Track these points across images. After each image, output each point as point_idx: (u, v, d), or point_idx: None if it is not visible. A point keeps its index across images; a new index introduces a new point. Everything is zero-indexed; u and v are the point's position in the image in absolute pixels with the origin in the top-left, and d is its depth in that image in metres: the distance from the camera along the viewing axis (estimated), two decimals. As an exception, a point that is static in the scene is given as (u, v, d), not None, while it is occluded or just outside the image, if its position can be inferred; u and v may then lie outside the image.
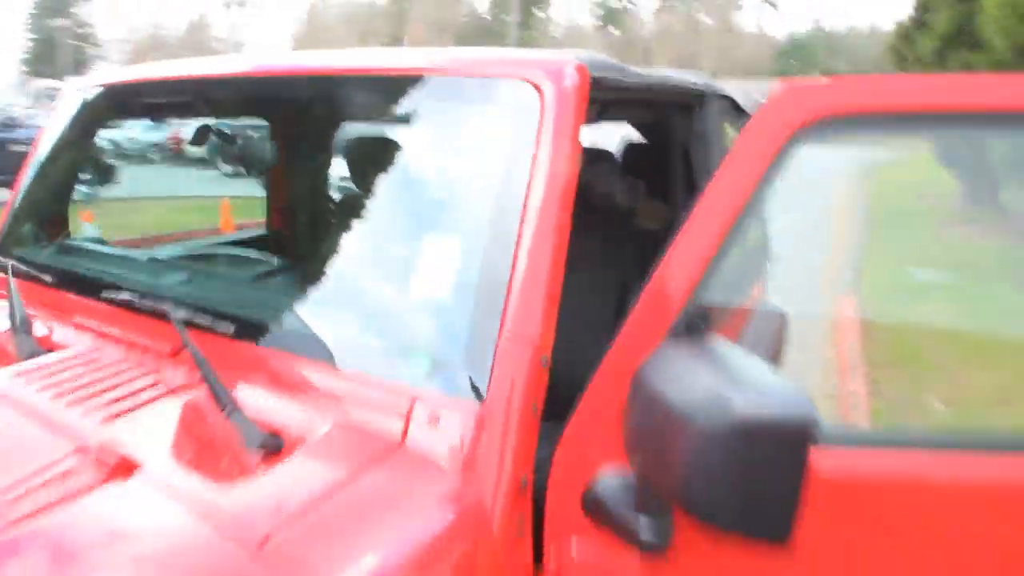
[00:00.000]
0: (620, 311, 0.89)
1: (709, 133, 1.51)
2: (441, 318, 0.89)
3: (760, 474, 0.61)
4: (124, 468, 0.75)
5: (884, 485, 0.76)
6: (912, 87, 0.84)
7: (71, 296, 1.19)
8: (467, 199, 0.94)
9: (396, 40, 38.78)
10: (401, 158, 1.06)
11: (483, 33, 43.05)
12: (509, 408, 0.79)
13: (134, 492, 0.73)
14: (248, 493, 0.72)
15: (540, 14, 45.10)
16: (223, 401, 0.81)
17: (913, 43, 11.54)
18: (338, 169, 1.48)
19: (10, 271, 1.21)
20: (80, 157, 1.58)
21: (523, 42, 34.14)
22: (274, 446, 0.79)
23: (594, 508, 0.80)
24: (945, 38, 8.11)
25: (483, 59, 1.01)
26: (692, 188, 1.47)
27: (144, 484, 0.74)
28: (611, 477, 0.79)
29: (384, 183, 1.08)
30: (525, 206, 0.84)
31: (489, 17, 45.60)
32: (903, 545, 0.77)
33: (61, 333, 1.12)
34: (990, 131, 1.00)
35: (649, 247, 0.99)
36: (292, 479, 0.75)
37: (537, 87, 0.89)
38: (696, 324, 0.77)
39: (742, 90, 1.92)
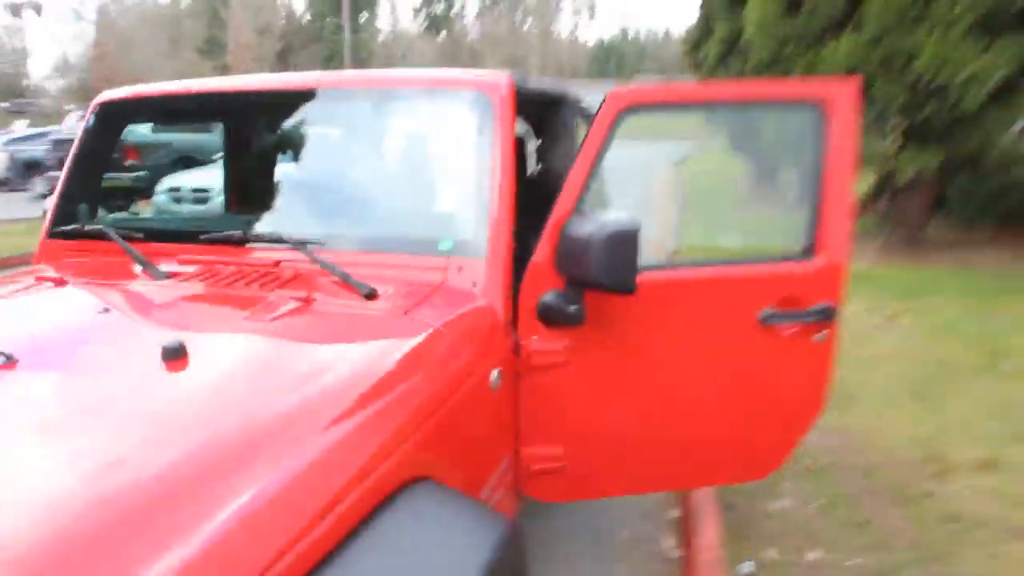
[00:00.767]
0: (544, 213, 1.65)
1: (569, 122, 2.34)
2: (456, 222, 1.61)
3: (620, 257, 1.40)
4: (306, 301, 1.38)
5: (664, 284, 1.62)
6: (671, 89, 1.70)
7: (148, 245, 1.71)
8: (459, 159, 1.66)
9: (215, 44, 36.57)
10: (414, 136, 1.76)
11: (304, 36, 42.12)
12: (498, 260, 1.53)
13: (317, 312, 1.37)
14: (382, 305, 1.40)
15: (364, 18, 45.04)
16: (330, 269, 1.47)
17: (699, 49, 13.70)
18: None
19: (112, 232, 1.70)
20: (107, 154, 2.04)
21: (354, 47, 33.98)
22: (373, 293, 1.45)
23: (544, 313, 1.56)
24: (726, 43, 9.97)
25: (451, 76, 1.74)
26: (563, 155, 2.29)
27: (319, 307, 1.38)
28: (551, 293, 1.56)
29: (409, 152, 1.78)
30: (493, 161, 1.58)
31: (310, 17, 44.65)
32: (664, 312, 1.63)
33: (169, 266, 1.65)
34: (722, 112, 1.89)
35: (550, 186, 1.77)
36: (400, 298, 1.43)
37: (490, 92, 1.64)
38: (581, 208, 1.56)
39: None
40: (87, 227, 1.78)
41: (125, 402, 1.04)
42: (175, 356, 1.09)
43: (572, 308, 1.52)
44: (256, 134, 2.20)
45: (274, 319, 1.28)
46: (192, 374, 1.10)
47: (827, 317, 1.70)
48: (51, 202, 1.92)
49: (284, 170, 1.99)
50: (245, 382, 1.11)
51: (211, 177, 4.37)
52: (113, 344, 1.25)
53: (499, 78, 1.68)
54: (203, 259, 1.66)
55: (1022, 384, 3.49)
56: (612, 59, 70.00)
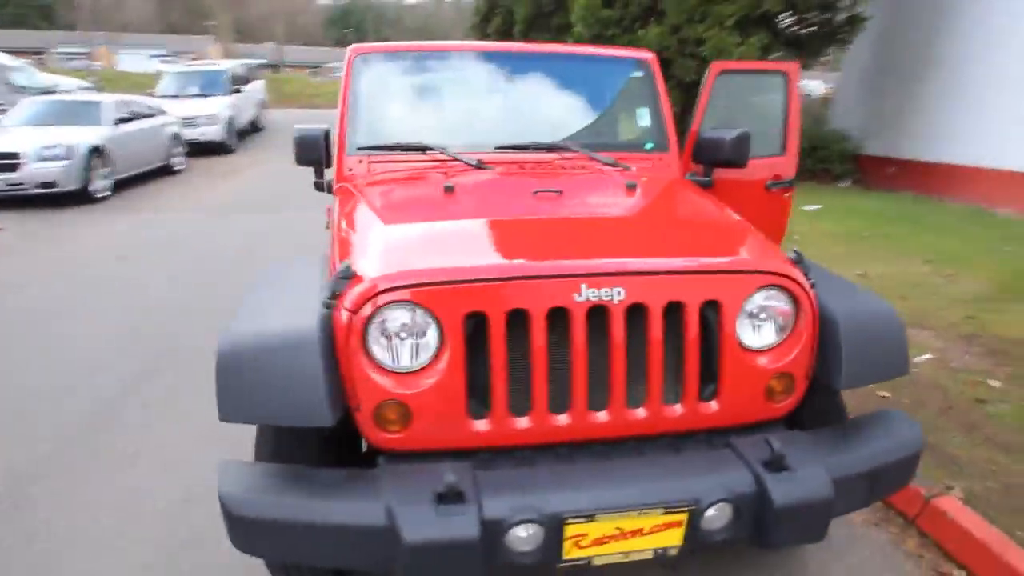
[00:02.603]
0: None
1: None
2: (652, 134, 2.87)
3: (742, 148, 2.84)
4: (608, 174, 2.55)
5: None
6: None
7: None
8: (642, 98, 2.91)
9: None
10: (610, 85, 2.94)
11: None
12: (675, 155, 2.86)
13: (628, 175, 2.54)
14: (636, 173, 2.63)
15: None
16: (598, 159, 2.66)
17: (489, 22, 15.39)
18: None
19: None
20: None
21: None
22: (629, 169, 2.66)
23: (693, 182, 2.94)
24: (527, 22, 11.73)
25: (632, 52, 2.95)
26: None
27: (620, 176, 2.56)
28: (692, 172, 2.93)
29: (611, 93, 2.95)
30: (663, 98, 2.87)
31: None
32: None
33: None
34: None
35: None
36: (642, 171, 2.69)
37: (651, 62, 2.91)
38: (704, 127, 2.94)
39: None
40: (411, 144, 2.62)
41: (619, 202, 2.16)
42: (632, 188, 2.23)
43: (707, 179, 2.90)
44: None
45: (612, 178, 2.45)
46: (638, 196, 2.24)
47: (790, 184, 3.36)
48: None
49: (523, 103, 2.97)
50: (652, 195, 2.30)
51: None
52: (586, 185, 2.30)
53: (650, 53, 2.96)
54: (504, 161, 2.65)
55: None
56: (348, 24, 68.81)
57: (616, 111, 2.96)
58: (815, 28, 8.26)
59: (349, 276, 1.57)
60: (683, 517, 1.46)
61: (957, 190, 7.74)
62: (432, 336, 1.52)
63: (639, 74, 2.92)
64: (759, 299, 1.65)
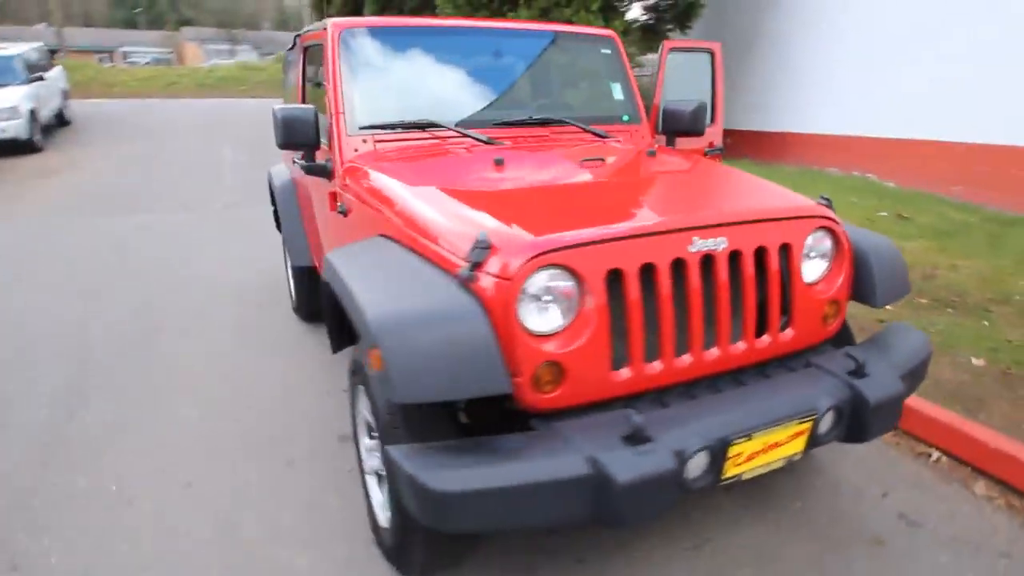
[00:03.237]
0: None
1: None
2: (627, 107, 3.08)
3: (700, 117, 3.16)
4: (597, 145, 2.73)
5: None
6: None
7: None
8: (614, 73, 3.09)
9: None
10: (590, 61, 3.07)
11: None
12: (646, 126, 3.10)
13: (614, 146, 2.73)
14: (618, 143, 2.84)
15: None
16: (593, 132, 2.83)
17: (330, 3, 14.78)
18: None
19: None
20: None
21: None
22: (613, 137, 2.85)
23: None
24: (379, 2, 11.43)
25: (603, 31, 3.11)
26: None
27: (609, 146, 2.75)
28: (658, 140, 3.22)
29: (593, 68, 3.07)
30: (630, 74, 3.09)
31: None
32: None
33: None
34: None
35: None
36: (624, 140, 2.90)
37: (616, 40, 3.11)
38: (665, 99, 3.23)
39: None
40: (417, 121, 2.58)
41: (659, 168, 2.34)
42: (651, 154, 2.42)
43: (674, 144, 3.19)
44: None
45: (606, 149, 2.64)
46: (670, 162, 2.43)
47: (721, 151, 3.79)
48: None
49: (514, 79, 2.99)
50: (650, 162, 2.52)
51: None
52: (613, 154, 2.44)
53: (612, 32, 3.16)
54: (506, 136, 2.72)
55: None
56: (142, 3, 61.15)
57: (590, 86, 3.14)
58: (664, 13, 9.07)
59: (488, 246, 1.58)
60: (808, 426, 1.70)
61: (790, 155, 9.00)
62: (578, 296, 1.60)
63: (608, 51, 3.11)
64: (812, 239, 1.94)
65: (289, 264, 3.89)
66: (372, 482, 2.15)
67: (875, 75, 7.63)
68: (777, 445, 1.68)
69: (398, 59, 2.75)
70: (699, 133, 3.10)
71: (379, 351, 1.46)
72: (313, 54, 3.14)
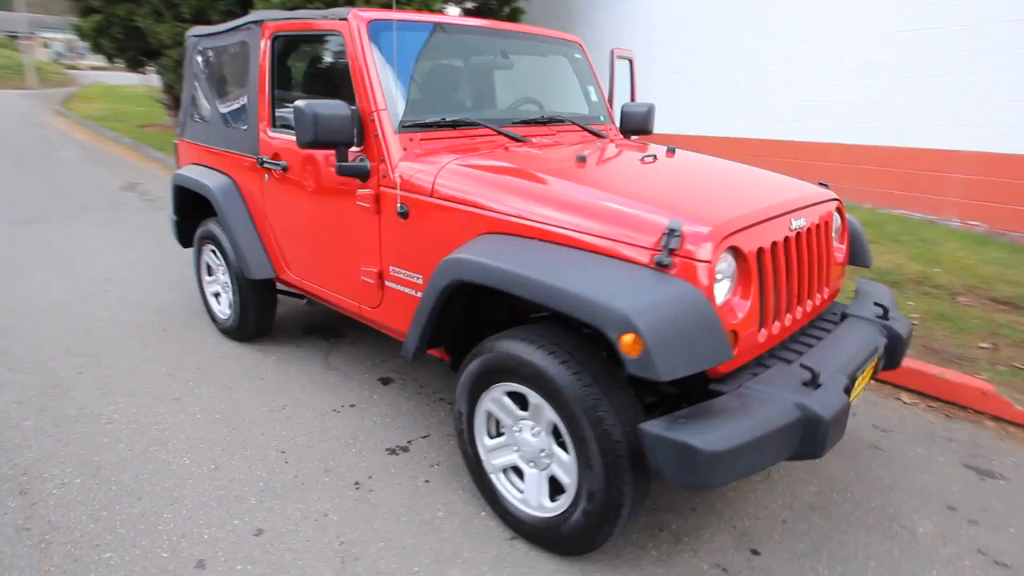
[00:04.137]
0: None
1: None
2: (603, 109, 3.36)
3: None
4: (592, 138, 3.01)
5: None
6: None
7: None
8: (585, 77, 3.35)
9: None
10: (563, 63, 3.26)
11: None
12: (615, 125, 3.43)
13: (610, 141, 3.02)
14: (608, 137, 3.16)
15: None
16: (593, 132, 3.10)
17: None
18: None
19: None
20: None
21: None
22: (605, 135, 3.15)
23: None
24: None
25: (570, 35, 3.32)
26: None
27: (601, 141, 3.04)
28: None
29: (565, 71, 3.25)
30: (594, 78, 3.38)
31: None
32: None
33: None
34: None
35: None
36: (610, 135, 3.21)
37: (581, 45, 3.37)
38: None
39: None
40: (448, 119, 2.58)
41: (696, 162, 2.67)
42: (672, 150, 2.76)
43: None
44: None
45: (605, 144, 2.94)
46: (696, 157, 2.75)
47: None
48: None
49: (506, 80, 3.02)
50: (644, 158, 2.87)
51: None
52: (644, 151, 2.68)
53: (579, 40, 3.42)
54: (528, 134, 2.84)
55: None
56: None
57: (571, 88, 3.36)
58: (487, 17, 9.50)
59: (680, 233, 1.77)
60: (876, 360, 2.19)
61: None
62: (738, 272, 1.87)
63: (579, 56, 3.38)
64: (834, 216, 2.46)
65: (231, 280, 3.47)
66: (502, 479, 2.18)
67: (748, 93, 8.05)
68: (864, 377, 2.14)
69: (419, 55, 2.70)
70: (649, 132, 3.53)
71: (637, 336, 1.58)
72: (301, 45, 2.89)
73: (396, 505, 2.31)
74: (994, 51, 5.19)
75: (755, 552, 2.11)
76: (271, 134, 3.01)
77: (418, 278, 2.43)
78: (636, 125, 3.43)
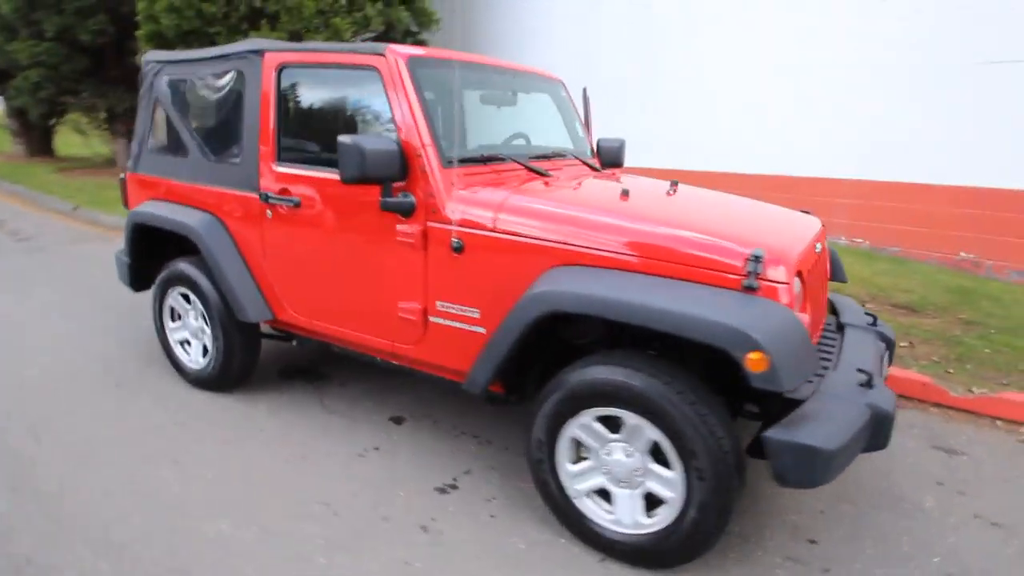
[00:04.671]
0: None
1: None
2: (587, 144, 3.56)
3: None
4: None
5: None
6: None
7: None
8: (576, 112, 3.53)
9: None
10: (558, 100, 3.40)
11: None
12: (597, 160, 3.64)
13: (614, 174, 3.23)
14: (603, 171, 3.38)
15: None
16: (590, 165, 3.30)
17: None
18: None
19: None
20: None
21: None
22: (600, 168, 3.35)
23: None
24: None
25: (539, 71, 3.48)
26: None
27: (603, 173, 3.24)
28: None
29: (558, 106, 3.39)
30: (590, 115, 3.58)
31: None
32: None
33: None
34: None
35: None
36: (606, 169, 3.42)
37: (563, 82, 3.56)
38: None
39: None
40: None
41: (707, 194, 2.89)
42: (674, 186, 3.00)
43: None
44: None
45: (610, 176, 3.15)
46: (696, 191, 2.99)
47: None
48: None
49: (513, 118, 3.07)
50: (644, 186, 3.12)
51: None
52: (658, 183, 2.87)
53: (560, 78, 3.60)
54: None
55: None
56: None
57: (563, 124, 3.51)
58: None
59: (763, 260, 1.97)
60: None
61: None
62: (802, 290, 2.12)
63: (564, 94, 3.56)
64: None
65: (211, 324, 3.20)
66: (587, 504, 2.23)
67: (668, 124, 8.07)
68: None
69: (449, 91, 2.72)
70: (621, 165, 3.79)
71: (764, 353, 1.74)
72: (316, 78, 2.79)
73: (472, 543, 2.28)
74: (861, 88, 6.11)
75: (812, 542, 2.34)
76: (277, 168, 2.86)
77: (473, 312, 2.44)
78: (611, 158, 3.67)
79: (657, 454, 2.07)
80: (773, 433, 1.82)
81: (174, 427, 3.04)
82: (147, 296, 4.73)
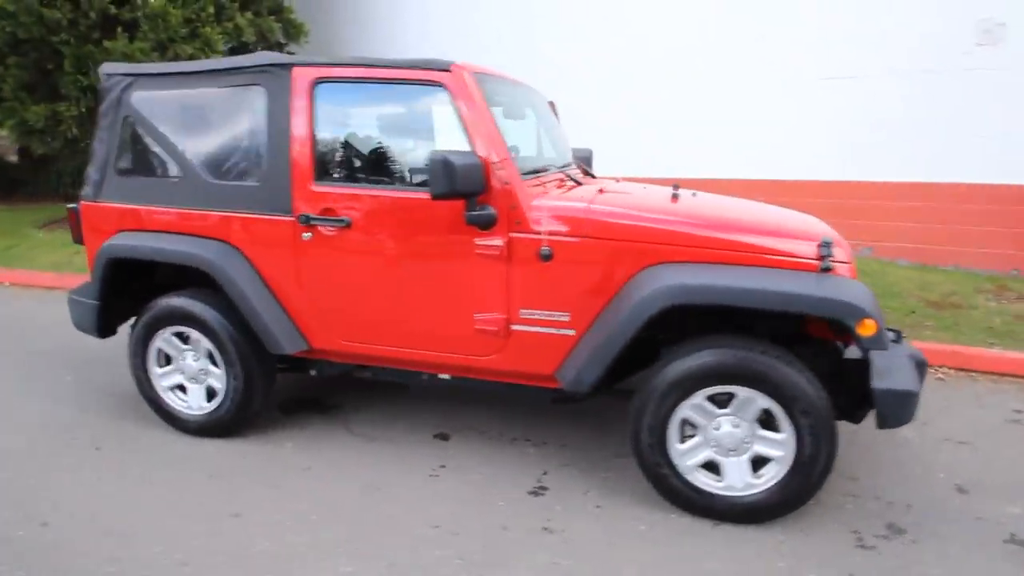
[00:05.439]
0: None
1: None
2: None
3: None
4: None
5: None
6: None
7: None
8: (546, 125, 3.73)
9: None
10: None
11: None
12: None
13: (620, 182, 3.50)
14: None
15: None
16: (591, 176, 3.54)
17: None
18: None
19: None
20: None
21: None
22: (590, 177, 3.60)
23: None
24: None
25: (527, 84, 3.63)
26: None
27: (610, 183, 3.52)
28: None
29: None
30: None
31: None
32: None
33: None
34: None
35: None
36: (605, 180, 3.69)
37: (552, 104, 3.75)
38: None
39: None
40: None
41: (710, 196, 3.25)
42: (676, 186, 3.33)
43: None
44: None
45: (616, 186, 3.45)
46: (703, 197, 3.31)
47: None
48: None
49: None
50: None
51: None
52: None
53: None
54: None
55: None
56: None
57: (550, 135, 3.68)
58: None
59: (832, 246, 2.36)
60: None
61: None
62: None
63: (547, 106, 3.75)
64: None
65: (226, 363, 2.91)
66: (699, 477, 2.45)
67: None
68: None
69: (500, 106, 2.79)
70: (592, 176, 4.08)
71: (873, 320, 2.11)
72: (362, 93, 2.69)
73: (599, 534, 2.39)
74: (720, 96, 7.04)
75: (897, 530, 2.63)
76: (318, 188, 2.70)
77: (563, 316, 2.55)
78: (587, 168, 3.94)
79: (764, 422, 2.36)
80: (878, 384, 2.19)
81: (205, 481, 2.72)
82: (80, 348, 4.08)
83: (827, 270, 2.32)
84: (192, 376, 3.05)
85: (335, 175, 2.72)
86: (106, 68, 3.05)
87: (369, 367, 3.00)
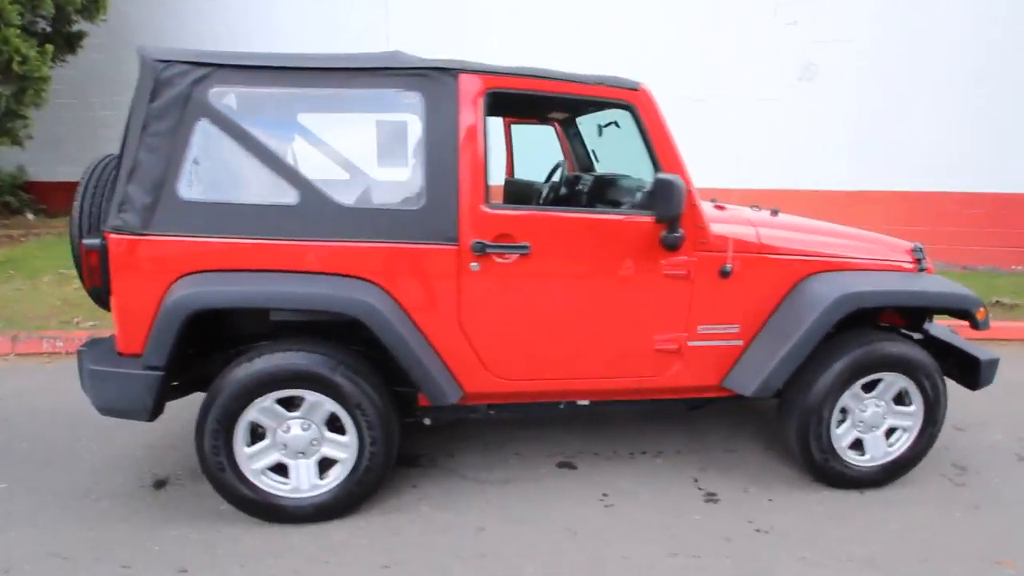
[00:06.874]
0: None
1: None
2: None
3: None
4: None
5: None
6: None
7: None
8: None
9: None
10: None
11: None
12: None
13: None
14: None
15: None
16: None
17: None
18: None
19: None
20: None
21: None
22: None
23: None
24: None
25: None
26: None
27: None
28: None
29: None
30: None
31: None
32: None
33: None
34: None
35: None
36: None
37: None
38: None
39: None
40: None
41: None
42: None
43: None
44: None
45: None
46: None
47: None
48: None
49: None
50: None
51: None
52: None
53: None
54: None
55: None
56: None
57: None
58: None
59: (923, 251, 2.95)
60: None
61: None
62: None
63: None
64: None
65: (359, 429, 2.38)
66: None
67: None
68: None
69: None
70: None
71: (984, 309, 2.71)
72: (536, 107, 2.40)
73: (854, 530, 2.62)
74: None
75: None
76: (490, 210, 2.39)
77: (734, 328, 2.70)
78: None
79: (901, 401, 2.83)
80: (982, 356, 2.82)
81: (382, 570, 2.21)
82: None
83: (924, 270, 2.90)
84: (300, 450, 2.42)
85: (507, 198, 2.44)
86: (156, 53, 2.21)
87: (494, 406, 2.75)
